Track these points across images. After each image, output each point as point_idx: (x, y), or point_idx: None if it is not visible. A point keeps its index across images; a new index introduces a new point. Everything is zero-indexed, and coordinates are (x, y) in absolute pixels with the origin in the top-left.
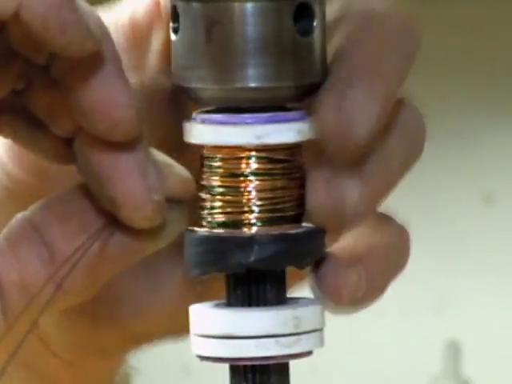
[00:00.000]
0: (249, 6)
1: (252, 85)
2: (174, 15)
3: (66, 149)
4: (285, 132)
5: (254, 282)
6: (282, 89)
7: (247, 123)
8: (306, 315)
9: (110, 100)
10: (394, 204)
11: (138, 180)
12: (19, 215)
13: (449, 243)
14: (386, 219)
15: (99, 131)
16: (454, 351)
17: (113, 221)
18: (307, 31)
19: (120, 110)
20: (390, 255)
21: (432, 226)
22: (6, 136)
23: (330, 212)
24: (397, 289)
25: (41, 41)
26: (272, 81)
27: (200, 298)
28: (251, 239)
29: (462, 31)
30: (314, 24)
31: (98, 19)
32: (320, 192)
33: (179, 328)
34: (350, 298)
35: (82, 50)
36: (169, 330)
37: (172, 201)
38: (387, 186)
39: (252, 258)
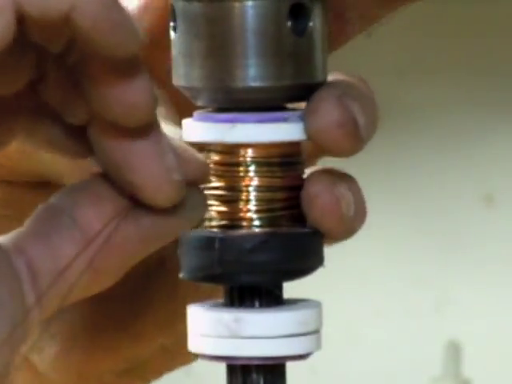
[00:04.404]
0: (247, 4)
1: (251, 84)
2: (174, 14)
3: (81, 142)
4: (284, 131)
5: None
6: (281, 88)
7: (247, 122)
8: (304, 317)
9: (129, 86)
10: (395, 204)
11: (156, 162)
12: (41, 205)
13: (449, 243)
14: None
15: (116, 117)
16: (454, 351)
17: (137, 203)
18: (303, 31)
19: (138, 96)
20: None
21: (432, 226)
22: (23, 140)
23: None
24: (397, 289)
25: (88, 41)
26: (271, 80)
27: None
28: (249, 239)
29: (463, 32)
30: (310, 24)
31: (136, 21)
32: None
33: (178, 350)
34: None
35: (128, 51)
36: (169, 355)
37: (192, 185)
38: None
39: (249, 259)
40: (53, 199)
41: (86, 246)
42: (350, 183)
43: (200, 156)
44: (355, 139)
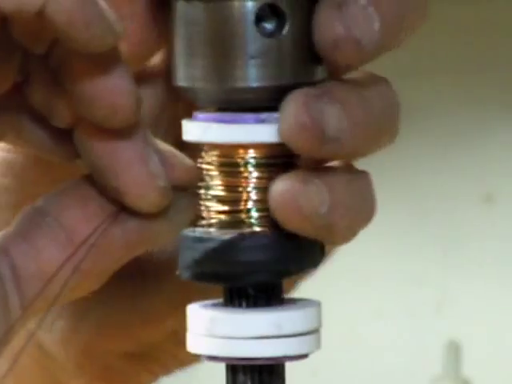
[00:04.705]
0: (248, 5)
1: (249, 85)
2: (173, 14)
3: (69, 145)
4: (257, 132)
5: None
6: (277, 88)
7: (245, 122)
8: (303, 317)
9: (109, 87)
10: (395, 204)
11: (139, 168)
12: (27, 207)
13: (449, 243)
14: None
15: (98, 118)
16: (454, 351)
17: (123, 207)
18: (279, 32)
19: (120, 96)
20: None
21: (432, 226)
22: (12, 141)
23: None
24: (397, 289)
25: (64, 37)
26: (268, 80)
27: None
28: (248, 240)
29: (463, 32)
30: (287, 26)
31: (113, 13)
32: (300, 109)
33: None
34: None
35: (104, 45)
36: (180, 344)
37: (179, 189)
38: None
39: (249, 259)
40: (39, 201)
41: (75, 252)
42: (331, 180)
43: (188, 160)
44: (321, 143)
